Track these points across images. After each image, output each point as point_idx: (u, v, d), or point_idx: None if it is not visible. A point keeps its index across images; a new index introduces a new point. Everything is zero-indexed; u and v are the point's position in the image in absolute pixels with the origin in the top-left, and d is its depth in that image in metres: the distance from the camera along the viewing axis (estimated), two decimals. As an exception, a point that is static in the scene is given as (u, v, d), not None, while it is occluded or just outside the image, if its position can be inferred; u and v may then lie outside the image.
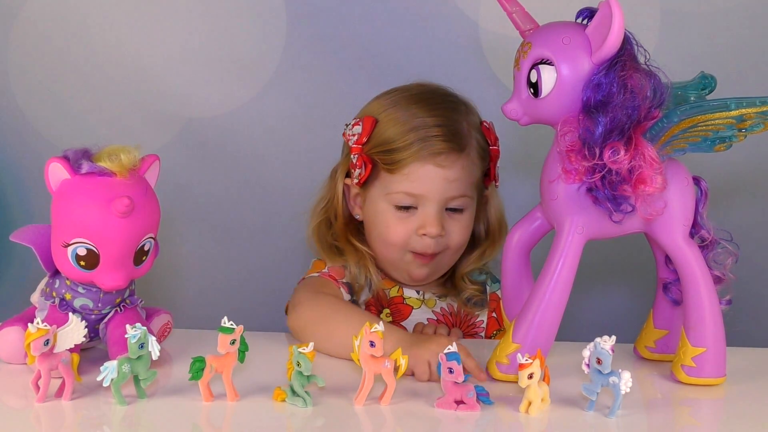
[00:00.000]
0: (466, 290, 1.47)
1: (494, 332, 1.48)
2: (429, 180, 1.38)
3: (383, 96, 1.46)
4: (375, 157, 1.41)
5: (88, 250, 1.12)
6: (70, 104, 1.82)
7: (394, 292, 1.48)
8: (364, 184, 1.43)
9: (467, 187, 1.40)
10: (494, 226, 1.48)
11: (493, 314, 1.50)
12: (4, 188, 1.86)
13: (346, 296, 1.44)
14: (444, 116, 1.40)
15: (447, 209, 1.40)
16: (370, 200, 1.44)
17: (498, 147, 1.44)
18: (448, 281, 1.49)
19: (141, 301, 1.22)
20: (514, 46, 1.14)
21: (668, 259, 1.21)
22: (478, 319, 1.49)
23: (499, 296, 1.45)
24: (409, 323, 1.45)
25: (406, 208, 1.40)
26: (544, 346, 1.14)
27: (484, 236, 1.49)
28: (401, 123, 1.40)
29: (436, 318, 1.47)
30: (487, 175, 1.44)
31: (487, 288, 1.51)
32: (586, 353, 1.05)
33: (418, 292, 1.48)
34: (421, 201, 1.39)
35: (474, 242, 1.48)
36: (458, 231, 1.41)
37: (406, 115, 1.41)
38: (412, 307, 1.47)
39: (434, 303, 1.48)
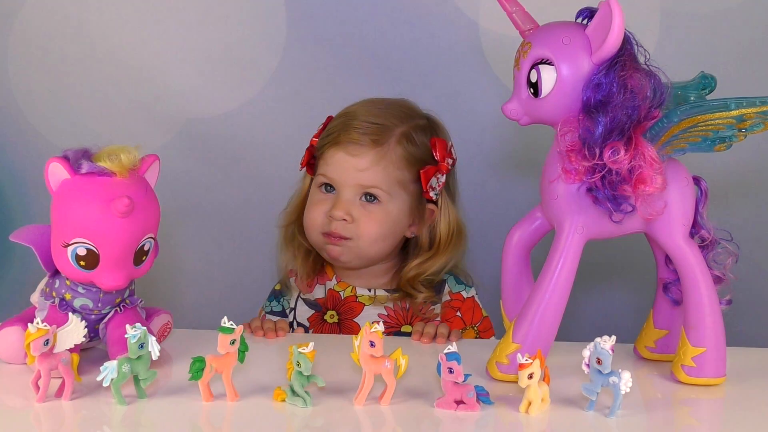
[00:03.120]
0: (417, 296, 1.51)
1: (461, 330, 1.48)
2: (340, 166, 1.47)
3: None
4: (314, 147, 1.52)
5: (88, 250, 1.12)
6: (70, 104, 1.82)
7: (348, 292, 1.54)
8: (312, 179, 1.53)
9: (382, 181, 1.46)
10: (442, 239, 1.51)
11: (458, 313, 1.52)
12: (4, 188, 1.86)
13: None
14: (375, 115, 1.50)
15: (363, 198, 1.47)
16: (310, 190, 1.54)
17: (446, 164, 1.49)
18: (401, 290, 1.52)
19: (141, 301, 1.22)
20: (514, 46, 1.14)
21: (668, 259, 1.21)
22: (433, 314, 1.52)
23: (464, 297, 1.53)
24: (361, 319, 1.51)
25: (328, 189, 1.49)
26: (544, 346, 1.14)
27: (428, 246, 1.52)
28: (342, 116, 1.51)
29: (387, 313, 1.52)
30: (424, 188, 1.49)
31: (447, 287, 1.54)
32: (586, 353, 1.05)
33: (369, 290, 1.54)
34: (336, 185, 1.48)
35: (418, 249, 1.53)
36: (368, 221, 1.46)
37: (347, 110, 1.52)
38: (364, 304, 1.53)
39: (385, 299, 1.52)
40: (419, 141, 1.49)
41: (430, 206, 1.52)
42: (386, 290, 1.53)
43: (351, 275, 1.55)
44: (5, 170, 1.85)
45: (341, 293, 1.54)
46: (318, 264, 1.56)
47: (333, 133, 1.49)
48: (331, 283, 1.55)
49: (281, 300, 1.57)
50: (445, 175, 1.50)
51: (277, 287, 1.59)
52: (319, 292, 1.55)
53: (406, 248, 1.55)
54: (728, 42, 1.76)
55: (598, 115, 1.08)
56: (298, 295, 1.56)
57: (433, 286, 1.52)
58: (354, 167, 1.46)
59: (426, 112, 1.54)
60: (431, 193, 1.49)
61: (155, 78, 1.81)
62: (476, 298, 1.54)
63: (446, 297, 1.53)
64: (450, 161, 1.51)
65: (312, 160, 1.53)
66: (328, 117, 1.53)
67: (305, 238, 1.54)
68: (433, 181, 1.48)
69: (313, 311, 1.54)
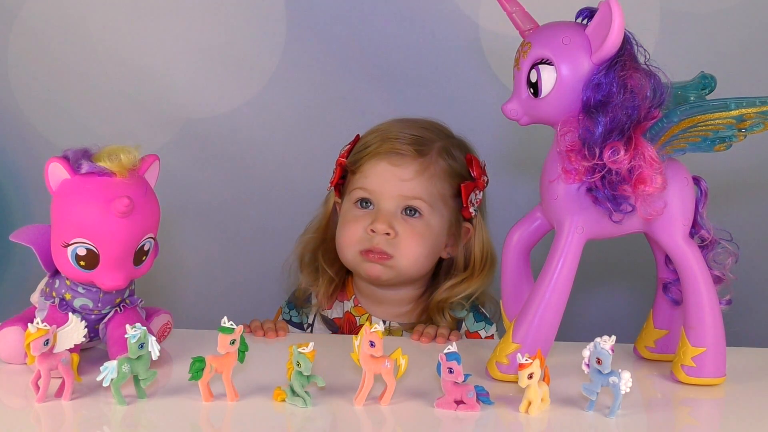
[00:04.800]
0: (439, 324, 1.45)
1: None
2: (382, 177, 1.44)
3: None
4: (346, 164, 1.48)
5: (88, 250, 1.12)
6: (70, 104, 1.82)
7: (363, 320, 1.51)
8: (341, 196, 1.50)
9: (425, 192, 1.43)
10: (477, 260, 1.48)
11: None
12: (4, 188, 1.86)
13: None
14: (413, 129, 1.47)
15: (404, 213, 1.43)
16: (342, 209, 1.50)
17: (482, 181, 1.47)
18: (424, 312, 1.49)
19: (141, 301, 1.22)
20: (514, 46, 1.14)
21: (668, 259, 1.21)
22: None
23: (482, 338, 1.49)
24: None
25: (364, 206, 1.45)
26: (544, 346, 1.14)
27: (463, 268, 1.49)
28: (374, 132, 1.48)
29: None
30: (465, 204, 1.46)
31: (465, 326, 1.49)
32: (586, 353, 1.05)
33: (384, 322, 1.49)
34: (376, 198, 1.44)
35: (453, 271, 1.49)
36: (411, 237, 1.43)
37: (382, 127, 1.49)
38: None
39: (400, 333, 1.48)
40: (457, 156, 1.48)
41: (466, 225, 1.49)
42: (401, 323, 1.50)
43: (370, 302, 1.51)
44: (5, 170, 1.85)
45: (357, 319, 1.51)
46: (339, 289, 1.53)
47: (371, 145, 1.45)
48: (349, 305, 1.52)
49: (300, 312, 1.54)
50: (482, 193, 1.48)
51: (298, 293, 1.55)
52: (337, 311, 1.53)
53: (436, 275, 1.51)
54: (728, 42, 1.76)
55: (598, 115, 1.08)
56: (317, 311, 1.53)
57: (455, 321, 1.48)
58: (397, 177, 1.43)
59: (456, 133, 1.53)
60: (471, 209, 1.46)
61: (155, 78, 1.81)
62: (497, 336, 1.49)
63: (463, 337, 1.47)
64: (485, 179, 1.49)
65: (341, 180, 1.50)
66: (356, 136, 1.51)
67: (329, 264, 1.51)
68: (472, 196, 1.46)
69: (330, 332, 1.52)
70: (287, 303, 1.56)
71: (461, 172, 1.47)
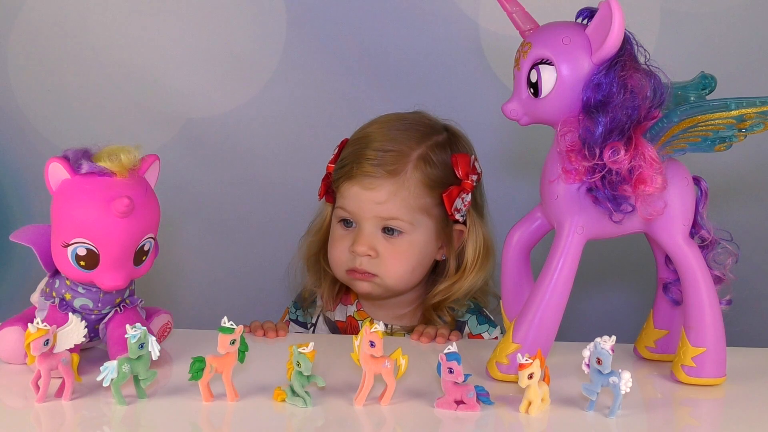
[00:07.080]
0: (438, 324, 1.45)
1: None
2: (357, 200, 1.42)
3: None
4: (331, 179, 1.47)
5: (88, 250, 1.12)
6: (70, 104, 1.82)
7: (365, 323, 1.48)
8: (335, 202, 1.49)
9: (402, 211, 1.41)
10: (468, 262, 1.47)
11: None
12: (4, 188, 1.86)
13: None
14: (390, 140, 1.43)
15: (384, 232, 1.43)
16: (331, 222, 1.50)
17: (469, 181, 1.44)
18: (423, 316, 1.49)
19: (141, 301, 1.22)
20: (514, 46, 1.14)
21: (668, 259, 1.21)
22: None
23: (485, 339, 1.48)
24: None
25: (347, 225, 1.45)
26: (544, 346, 1.14)
27: (455, 270, 1.48)
28: (353, 143, 1.46)
29: None
30: (449, 212, 1.43)
31: (468, 328, 1.48)
32: (586, 353, 1.05)
33: (386, 326, 1.49)
34: (355, 218, 1.44)
35: (446, 273, 1.48)
36: (393, 257, 1.43)
37: (361, 134, 1.46)
38: None
39: (401, 336, 1.47)
40: (439, 160, 1.44)
41: (459, 227, 1.47)
42: (403, 326, 1.49)
43: (372, 306, 1.52)
44: (5, 170, 1.85)
45: (360, 323, 1.51)
46: (343, 290, 1.53)
47: (346, 165, 1.43)
48: (352, 309, 1.52)
49: (305, 312, 1.55)
50: (470, 194, 1.44)
51: (304, 294, 1.55)
52: (340, 314, 1.53)
53: (434, 271, 1.50)
54: (728, 42, 1.76)
55: (598, 115, 1.08)
56: (321, 312, 1.54)
57: (455, 320, 1.48)
58: (371, 200, 1.41)
59: (446, 122, 1.49)
60: (457, 216, 1.44)
61: (155, 78, 1.81)
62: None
63: (465, 338, 1.47)
64: (474, 177, 1.44)
65: (330, 189, 1.49)
66: (344, 140, 1.49)
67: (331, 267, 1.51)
68: (458, 202, 1.43)
69: (331, 334, 1.52)
70: (294, 303, 1.57)
71: (443, 178, 1.43)
